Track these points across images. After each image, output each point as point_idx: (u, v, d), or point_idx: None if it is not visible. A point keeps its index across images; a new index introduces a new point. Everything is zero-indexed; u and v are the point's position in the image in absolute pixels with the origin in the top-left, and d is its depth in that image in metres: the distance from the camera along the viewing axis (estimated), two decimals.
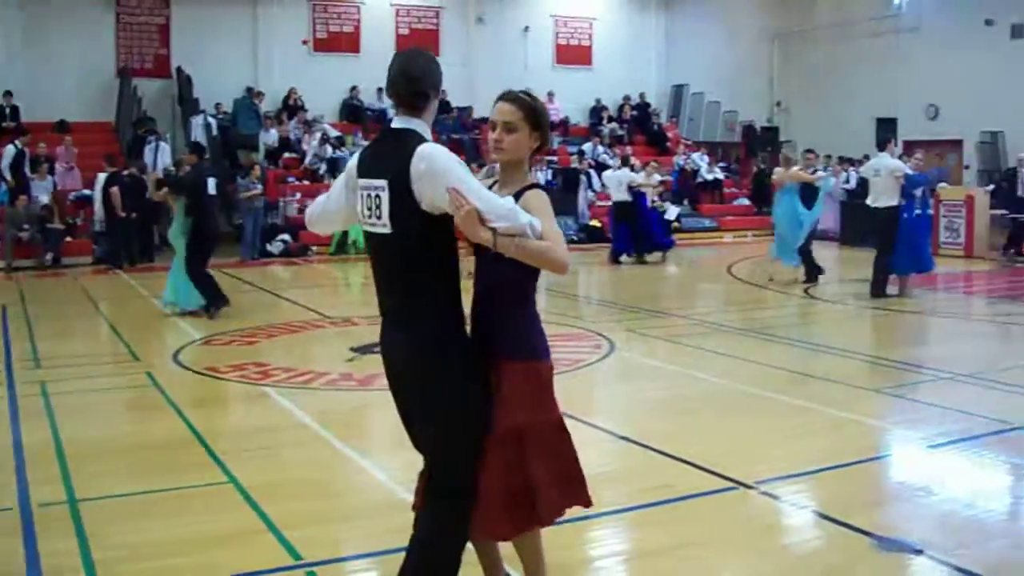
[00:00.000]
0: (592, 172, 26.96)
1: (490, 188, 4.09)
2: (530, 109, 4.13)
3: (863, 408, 8.46)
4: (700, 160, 29.69)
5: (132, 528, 5.71)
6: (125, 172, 20.52)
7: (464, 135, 27.49)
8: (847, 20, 30.91)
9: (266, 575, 5.08)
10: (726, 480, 6.42)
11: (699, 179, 29.28)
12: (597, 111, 31.30)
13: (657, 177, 22.34)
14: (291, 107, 27.14)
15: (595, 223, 25.01)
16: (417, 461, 4.32)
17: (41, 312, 14.37)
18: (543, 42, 31.38)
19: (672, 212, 25.12)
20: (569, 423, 4.27)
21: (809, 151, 19.00)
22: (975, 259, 20.30)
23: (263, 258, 21.79)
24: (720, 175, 29.79)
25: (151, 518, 5.89)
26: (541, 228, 3.89)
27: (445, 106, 26.57)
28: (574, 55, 31.91)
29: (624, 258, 20.38)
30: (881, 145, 15.45)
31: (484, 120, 27.76)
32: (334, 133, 26.31)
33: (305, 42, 28.18)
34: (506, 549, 4.42)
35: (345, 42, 28.64)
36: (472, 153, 24.94)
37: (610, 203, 21.36)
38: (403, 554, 4.23)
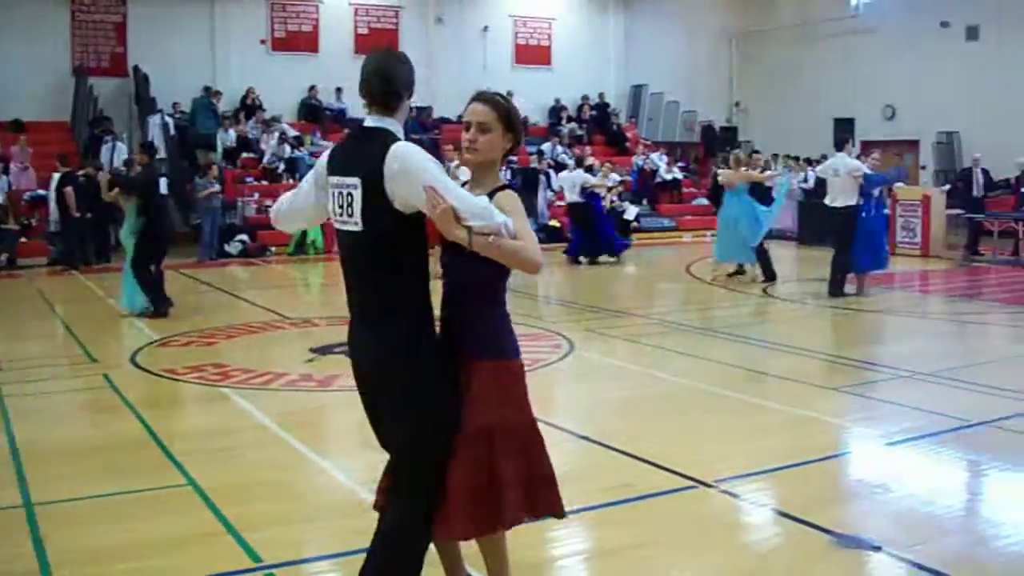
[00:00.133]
0: (551, 172, 26.95)
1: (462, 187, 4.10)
2: (505, 111, 4.17)
3: (822, 406, 8.50)
4: (659, 160, 29.78)
5: (89, 532, 5.65)
6: (80, 172, 20.31)
7: (423, 135, 27.41)
8: (806, 21, 31.20)
9: None
10: (686, 479, 6.43)
11: (658, 179, 29.38)
12: (556, 111, 31.33)
13: (615, 177, 22.36)
14: (249, 107, 26.96)
15: (554, 223, 25.01)
16: (378, 462, 4.30)
17: None
18: (502, 42, 31.34)
19: (631, 212, 25.17)
20: None
21: (755, 151, 19.13)
22: (931, 258, 20.46)
23: (221, 259, 21.60)
24: (679, 175, 29.91)
25: (108, 521, 5.83)
26: (515, 228, 3.92)
27: None
28: (533, 55, 31.91)
29: (582, 258, 20.39)
30: (839, 145, 15.57)
31: (444, 120, 27.84)
32: (292, 133, 26.18)
33: (263, 41, 28.01)
34: (469, 549, 4.41)
35: (303, 41, 28.49)
36: (432, 153, 24.82)
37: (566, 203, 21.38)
38: (364, 555, 4.21)
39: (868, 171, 14.70)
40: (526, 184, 26.22)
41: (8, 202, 21.18)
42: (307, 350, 10.94)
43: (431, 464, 4.02)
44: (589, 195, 20.31)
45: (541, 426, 4.25)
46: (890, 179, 16.48)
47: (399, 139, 3.99)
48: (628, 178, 28.07)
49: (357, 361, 4.17)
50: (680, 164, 30.78)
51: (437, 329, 4.13)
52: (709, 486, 6.31)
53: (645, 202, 28.18)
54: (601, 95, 32.29)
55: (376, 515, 4.28)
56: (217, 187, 21.65)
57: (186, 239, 21.82)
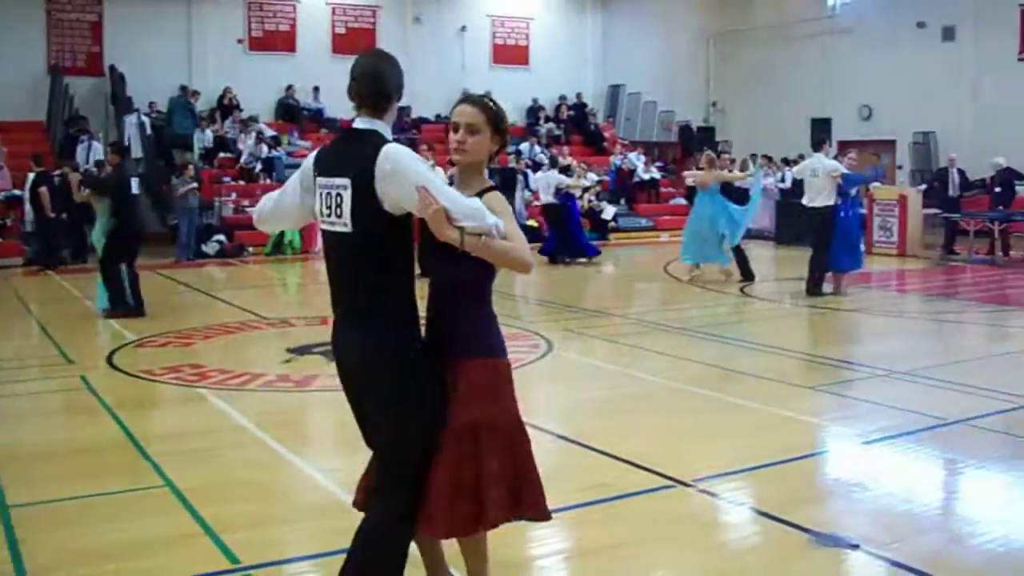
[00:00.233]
0: (529, 172, 26.95)
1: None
2: (493, 113, 4.19)
3: (799, 405, 8.53)
4: (637, 160, 29.81)
5: (66, 534, 5.62)
6: (55, 172, 20.20)
7: (401, 135, 27.36)
8: (783, 21, 31.29)
9: None
10: (664, 478, 6.44)
11: (636, 179, 29.40)
12: (534, 111, 31.32)
13: (593, 177, 22.33)
14: (226, 106, 26.85)
15: (532, 223, 25.00)
16: (357, 462, 4.28)
17: None
18: (480, 42, 31.31)
19: (609, 212, 25.19)
20: None
21: (724, 151, 19.17)
22: (908, 258, 20.57)
23: (198, 259, 21.52)
24: (656, 175, 29.96)
25: (85, 524, 5.79)
26: (504, 228, 3.95)
27: None
28: (511, 55, 31.90)
29: (566, 259, 20.37)
30: (816, 146, 15.62)
31: (422, 120, 27.80)
32: (270, 133, 26.08)
33: (240, 41, 27.91)
34: (450, 548, 4.40)
35: (281, 41, 28.40)
36: None
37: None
38: (343, 555, 4.18)
39: (846, 171, 14.76)
40: (504, 184, 26.14)
41: None
42: (284, 350, 10.90)
43: (415, 464, 4.01)
44: (564, 196, 20.31)
45: None
46: (868, 179, 16.57)
47: (389, 141, 4.00)
48: (606, 178, 28.14)
49: (343, 360, 4.16)
50: (658, 164, 30.82)
51: (423, 330, 4.14)
52: (687, 485, 6.31)
53: (623, 202, 28.24)
54: (579, 95, 32.33)
55: (355, 514, 4.26)
56: (194, 184, 21.54)
57: (163, 239, 21.71)
